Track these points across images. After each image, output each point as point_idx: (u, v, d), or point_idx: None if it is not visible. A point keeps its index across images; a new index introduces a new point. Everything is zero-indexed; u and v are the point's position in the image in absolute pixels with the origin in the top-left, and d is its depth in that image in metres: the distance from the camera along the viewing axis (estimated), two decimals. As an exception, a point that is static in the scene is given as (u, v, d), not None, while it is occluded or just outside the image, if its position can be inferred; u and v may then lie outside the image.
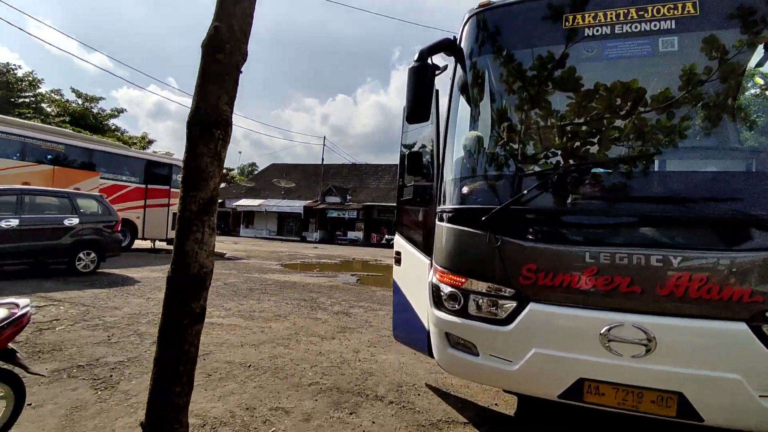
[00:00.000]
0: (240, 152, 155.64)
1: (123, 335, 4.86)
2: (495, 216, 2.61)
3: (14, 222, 7.81)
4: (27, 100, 34.31)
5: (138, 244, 16.25)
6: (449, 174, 3.08)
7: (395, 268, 3.92)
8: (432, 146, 3.49)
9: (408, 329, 3.67)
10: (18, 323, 2.40)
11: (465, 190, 2.98)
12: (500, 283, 2.65)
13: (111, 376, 3.67)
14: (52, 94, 35.98)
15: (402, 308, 3.75)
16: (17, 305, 2.48)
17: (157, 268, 10.99)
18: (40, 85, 34.94)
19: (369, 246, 34.27)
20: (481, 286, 2.72)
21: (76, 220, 8.79)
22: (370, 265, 17.39)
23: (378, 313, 7.16)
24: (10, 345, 2.47)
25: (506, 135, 3.06)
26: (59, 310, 5.79)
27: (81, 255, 8.93)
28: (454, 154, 3.11)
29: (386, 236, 36.04)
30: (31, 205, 8.28)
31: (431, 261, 3.32)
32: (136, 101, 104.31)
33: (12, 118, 14.92)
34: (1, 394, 2.48)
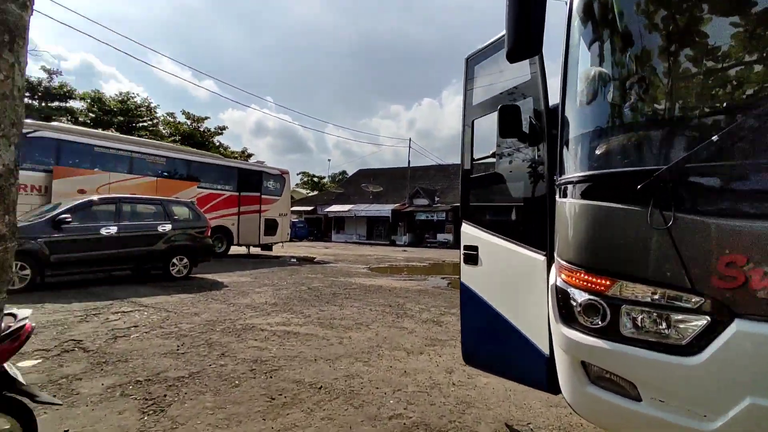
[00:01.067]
0: (329, 160, 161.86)
1: (193, 345, 4.47)
2: (663, 180, 1.62)
3: (113, 229, 8.12)
4: (145, 124, 38.53)
5: (234, 249, 16.87)
6: (577, 128, 2.10)
7: (466, 268, 3.02)
8: (537, 95, 2.53)
9: (500, 352, 2.76)
10: (15, 338, 1.91)
11: (605, 147, 1.99)
12: (677, 287, 1.64)
13: (165, 396, 3.19)
14: (167, 116, 40.07)
15: (486, 322, 2.85)
16: (15, 316, 1.99)
17: (247, 272, 11.04)
18: (156, 111, 39.14)
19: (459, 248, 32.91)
20: (641, 291, 1.73)
21: (169, 227, 9.00)
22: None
23: (473, 322, 6.17)
24: (14, 370, 1.98)
25: (669, 64, 2.01)
26: (141, 317, 5.66)
27: (174, 260, 9.12)
28: (584, 101, 2.12)
29: (477, 238, 34.39)
30: (128, 213, 8.60)
31: (546, 255, 2.34)
32: (239, 121, 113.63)
33: (120, 134, 16.28)
34: (6, 427, 2.00)
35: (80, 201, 8.06)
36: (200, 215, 9.94)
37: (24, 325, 1.95)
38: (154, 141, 16.85)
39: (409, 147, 41.04)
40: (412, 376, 3.84)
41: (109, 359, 3.94)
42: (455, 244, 35.08)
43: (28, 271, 7.08)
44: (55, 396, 3.06)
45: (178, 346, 4.40)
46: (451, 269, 15.58)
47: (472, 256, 2.95)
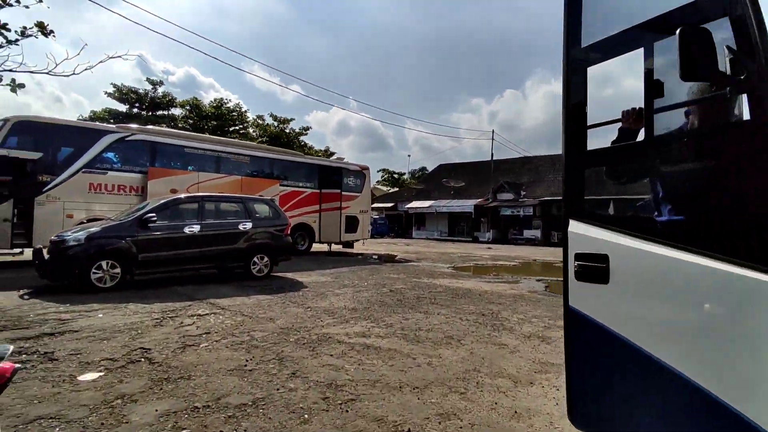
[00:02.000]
0: (409, 155, 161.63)
1: (262, 360, 3.95)
2: None
3: (196, 228, 8.08)
4: (237, 127, 40.84)
5: (316, 247, 16.83)
6: None
7: (579, 287, 2.07)
8: (741, 10, 1.54)
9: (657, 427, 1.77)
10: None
11: None
12: None
13: (221, 431, 2.64)
14: (256, 119, 42.17)
15: (626, 374, 1.89)
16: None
17: (327, 272, 10.68)
18: (247, 115, 41.36)
19: (549, 245, 30.61)
20: None
21: (249, 225, 8.84)
22: (555, 269, 14.71)
23: (589, 340, 5.06)
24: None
25: None
26: (216, 321, 5.33)
27: (255, 259, 8.95)
28: None
29: (570, 234, 31.72)
30: (210, 211, 8.55)
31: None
32: (322, 122, 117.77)
33: (209, 135, 16.90)
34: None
35: (165, 200, 8.12)
36: (280, 213, 9.72)
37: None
38: (240, 141, 17.33)
39: (492, 139, 38.97)
40: (525, 419, 2.95)
41: (172, 375, 3.52)
42: (544, 240, 32.72)
43: (118, 270, 7.20)
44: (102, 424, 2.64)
45: (247, 361, 3.90)
46: (544, 270, 14.12)
47: (594, 271, 1.99)
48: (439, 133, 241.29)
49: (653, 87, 1.86)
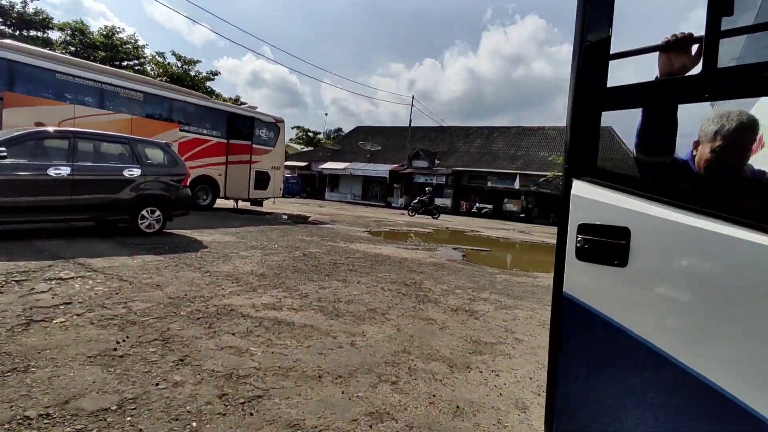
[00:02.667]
0: (326, 114, 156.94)
1: (141, 341, 3.06)
2: None
3: (65, 170, 6.52)
4: (131, 63, 35.84)
5: (221, 203, 15.34)
6: None
7: (583, 269, 1.56)
8: None
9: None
10: None
11: None
12: None
13: (59, 460, 1.80)
14: (156, 56, 37.36)
15: (659, 388, 1.39)
16: None
17: (233, 230, 9.57)
18: (144, 50, 36.42)
19: (458, 214, 31.69)
20: None
21: (137, 172, 7.41)
22: (469, 237, 14.98)
23: (516, 314, 4.84)
24: None
25: None
26: (83, 287, 4.22)
27: (144, 212, 7.60)
28: None
29: (477, 204, 33.14)
30: (85, 152, 6.98)
31: None
32: (234, 70, 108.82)
33: (89, 62, 14.31)
34: None
35: (20, 132, 6.40)
36: (177, 160, 8.34)
37: None
38: (130, 73, 14.76)
39: (412, 105, 38.72)
40: (470, 417, 2.49)
41: (2, 368, 2.52)
42: (454, 209, 33.80)
43: (-51, 217, 5.55)
44: None
45: (118, 343, 2.99)
46: (458, 238, 14.27)
47: (606, 249, 1.49)
48: (358, 92, 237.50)
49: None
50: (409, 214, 22.07)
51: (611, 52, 1.56)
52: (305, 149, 50.89)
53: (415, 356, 3.31)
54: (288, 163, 36.62)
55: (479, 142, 38.90)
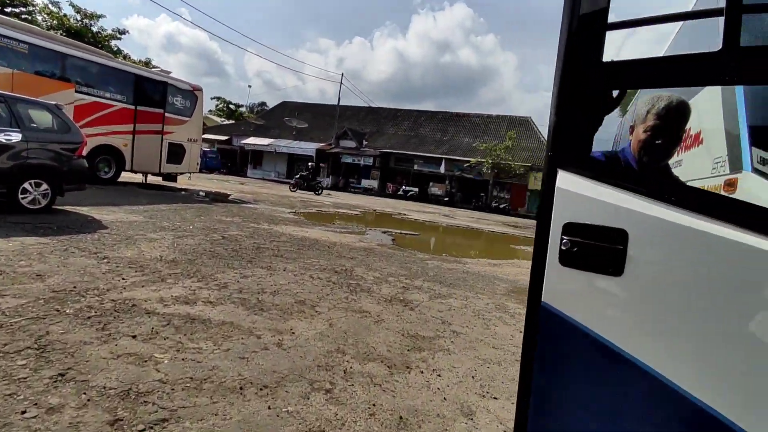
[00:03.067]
0: (249, 86, 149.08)
1: (6, 350, 2.42)
2: None
3: None
4: (16, 10, 30.93)
5: (127, 176, 13.81)
6: None
7: (564, 276, 1.31)
8: None
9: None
10: None
11: None
12: None
13: None
14: (48, 5, 32.56)
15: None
16: None
17: (140, 208, 8.53)
18: (33, -4, 31.55)
19: (385, 196, 31.77)
20: None
21: (17, 136, 6.22)
22: (396, 220, 14.92)
23: (450, 303, 4.71)
24: None
25: None
26: (-68, 278, 3.36)
27: (27, 185, 6.43)
28: None
29: (403, 187, 33.45)
30: (-55, 109, 5.69)
31: None
32: (147, 31, 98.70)
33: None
34: None
35: None
36: (70, 126, 7.15)
37: None
38: (11, 19, 12.48)
39: (341, 83, 37.78)
40: (414, 429, 2.24)
41: None
42: (381, 191, 33.82)
43: None
44: None
45: (-28, 355, 2.33)
46: (386, 221, 14.14)
47: (598, 253, 1.27)
48: (285, 65, 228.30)
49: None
50: (291, 190, 21.90)
51: (609, 20, 1.31)
52: (226, 122, 47.96)
53: (350, 356, 3.00)
54: (206, 136, 34.24)
55: (407, 124, 39.13)
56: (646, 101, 1.68)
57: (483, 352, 3.43)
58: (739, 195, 2.27)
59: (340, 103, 38.61)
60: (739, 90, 2.35)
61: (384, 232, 10.58)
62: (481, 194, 32.12)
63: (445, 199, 32.06)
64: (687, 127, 2.20)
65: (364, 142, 36.02)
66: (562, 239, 1.34)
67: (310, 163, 24.67)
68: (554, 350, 1.38)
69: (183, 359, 2.61)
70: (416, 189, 33.01)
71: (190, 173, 15.26)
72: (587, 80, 1.34)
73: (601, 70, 1.32)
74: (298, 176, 23.30)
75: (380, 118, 40.87)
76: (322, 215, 13.10)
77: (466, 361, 3.22)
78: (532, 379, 1.41)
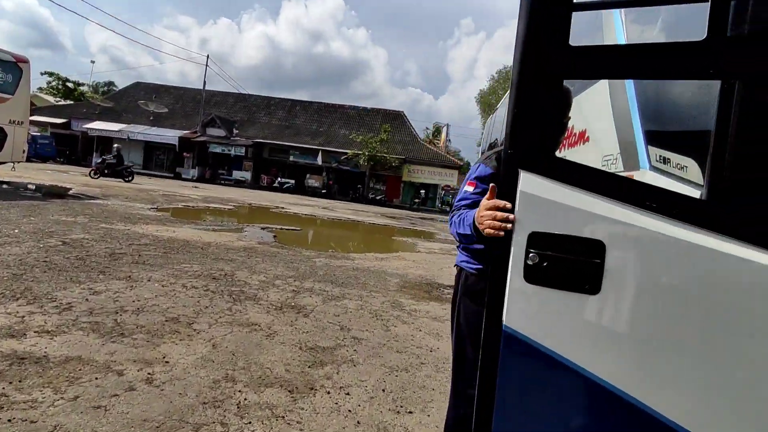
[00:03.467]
0: (93, 62, 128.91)
1: None
2: None
3: None
4: None
5: None
6: None
7: (530, 294, 1.13)
8: None
9: None
10: None
11: None
12: None
13: None
14: None
15: None
16: None
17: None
18: None
19: (259, 188, 30.21)
20: None
21: None
22: (275, 214, 14.16)
23: (346, 305, 4.44)
24: None
25: None
26: None
27: None
28: None
29: (279, 179, 32.20)
30: None
31: None
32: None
33: None
34: None
35: None
36: None
37: None
38: None
39: (206, 65, 34.51)
40: (332, 469, 1.91)
41: None
42: (254, 183, 32.08)
43: None
44: None
45: None
46: (263, 215, 13.32)
47: (571, 268, 1.12)
48: (139, 41, 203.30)
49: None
50: (91, 176, 18.43)
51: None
52: (63, 102, 40.82)
53: (243, 384, 2.54)
54: (36, 118, 28.72)
55: (281, 114, 37.69)
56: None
57: (388, 358, 3.23)
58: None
59: (206, 88, 35.52)
60: (630, 89, 2.46)
61: (264, 228, 9.86)
62: (358, 186, 32.46)
63: (323, 191, 31.71)
64: (570, 124, 2.20)
65: (235, 131, 33.73)
66: (528, 252, 1.14)
67: (116, 145, 20.73)
68: (520, 382, 1.18)
69: (9, 421, 1.90)
70: (293, 181, 32.04)
71: (14, 163, 12.47)
72: (551, 66, 1.15)
73: (568, 55, 1.14)
74: (99, 161, 19.64)
75: (251, 106, 38.66)
76: (190, 211, 11.77)
77: (373, 371, 2.97)
78: (492, 419, 1.19)
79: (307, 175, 32.75)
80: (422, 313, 4.53)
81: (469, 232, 1.40)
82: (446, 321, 4.34)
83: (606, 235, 1.07)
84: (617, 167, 2.60)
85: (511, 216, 1.16)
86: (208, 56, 34.84)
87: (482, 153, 13.45)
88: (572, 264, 1.10)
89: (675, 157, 2.02)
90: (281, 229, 10.40)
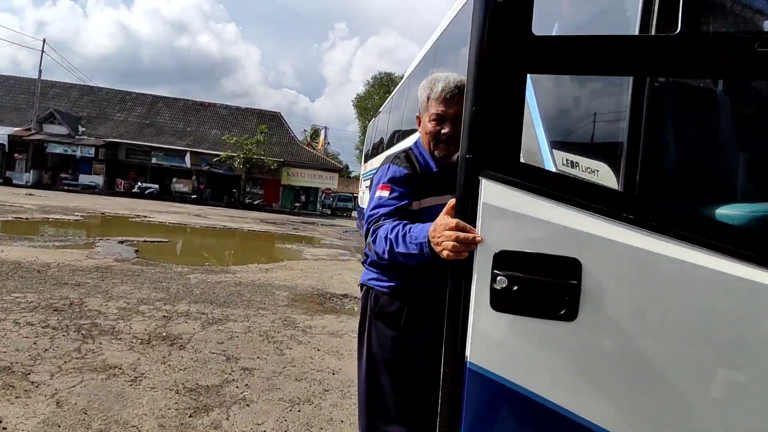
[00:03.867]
0: None
1: None
2: None
3: None
4: None
5: None
6: None
7: (495, 322, 0.94)
8: None
9: None
10: None
11: None
12: None
13: None
14: None
15: None
16: None
17: None
18: None
19: (115, 195, 26.56)
20: None
21: None
22: (136, 224, 12.44)
23: (231, 329, 3.89)
24: None
25: None
26: None
27: None
28: None
29: (140, 184, 28.66)
30: None
31: None
32: None
33: None
34: None
35: None
36: None
37: None
38: None
39: (42, 51, 29.16)
40: None
41: None
42: (108, 189, 28.11)
43: None
44: None
45: None
46: (122, 226, 11.60)
47: (543, 292, 0.95)
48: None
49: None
50: None
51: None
52: None
53: (100, 454, 1.95)
54: None
55: (140, 111, 33.70)
56: (423, 86, 1.49)
57: (287, 389, 2.84)
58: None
59: (43, 78, 30.16)
60: (529, 88, 2.45)
61: (122, 242, 8.48)
62: (234, 190, 30.46)
63: (193, 196, 29.07)
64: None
65: (81, 129, 29.20)
66: (495, 275, 0.92)
67: None
68: (490, 428, 0.96)
69: None
70: (156, 186, 28.77)
71: None
72: (513, 58, 0.95)
73: (531, 45, 0.95)
74: None
75: (102, 101, 33.87)
76: (21, 224, 9.69)
77: (271, 409, 2.56)
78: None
79: (174, 179, 29.74)
80: (318, 329, 4.19)
81: (417, 252, 1.15)
82: (345, 336, 4.08)
83: (582, 251, 0.91)
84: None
85: (479, 237, 0.94)
86: (44, 40, 29.66)
87: (365, 156, 13.46)
88: (545, 287, 0.92)
89: (584, 161, 2.01)
90: (145, 241, 9.08)
